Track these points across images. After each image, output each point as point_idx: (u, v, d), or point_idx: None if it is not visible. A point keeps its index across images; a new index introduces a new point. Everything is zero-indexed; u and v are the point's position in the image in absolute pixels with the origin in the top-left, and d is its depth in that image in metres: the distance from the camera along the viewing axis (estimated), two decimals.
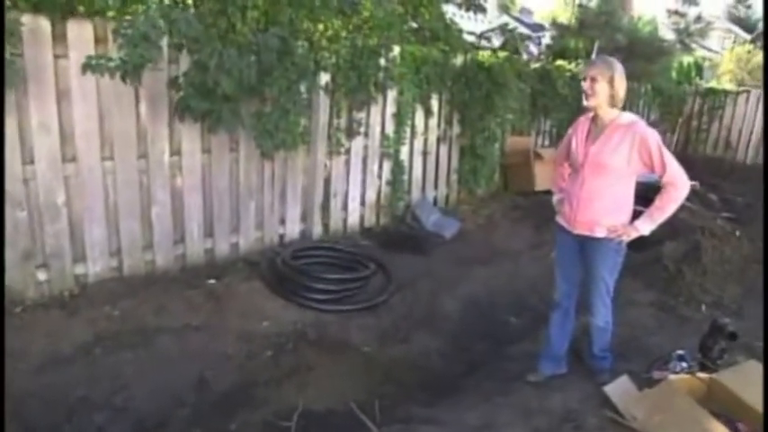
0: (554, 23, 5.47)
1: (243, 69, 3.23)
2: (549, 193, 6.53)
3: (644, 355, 3.10)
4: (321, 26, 4.29)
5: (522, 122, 6.71)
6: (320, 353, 3.30)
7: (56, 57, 3.15)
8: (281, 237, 4.58)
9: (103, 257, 3.61)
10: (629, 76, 2.64)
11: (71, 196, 3.39)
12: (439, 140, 5.77)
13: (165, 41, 3.30)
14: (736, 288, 4.22)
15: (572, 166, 2.77)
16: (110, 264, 3.66)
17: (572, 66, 7.39)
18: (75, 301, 3.33)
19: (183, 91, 3.29)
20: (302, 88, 3.81)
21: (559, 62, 7.25)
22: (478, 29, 8.04)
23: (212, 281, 3.73)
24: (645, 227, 2.60)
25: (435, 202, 5.88)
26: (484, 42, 7.48)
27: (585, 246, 2.71)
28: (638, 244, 5.07)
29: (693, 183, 7.46)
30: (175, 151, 3.81)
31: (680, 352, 2.58)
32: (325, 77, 4.35)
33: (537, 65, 6.53)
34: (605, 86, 2.51)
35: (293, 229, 4.64)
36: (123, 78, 3.01)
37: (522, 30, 8.67)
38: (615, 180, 2.60)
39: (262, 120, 3.69)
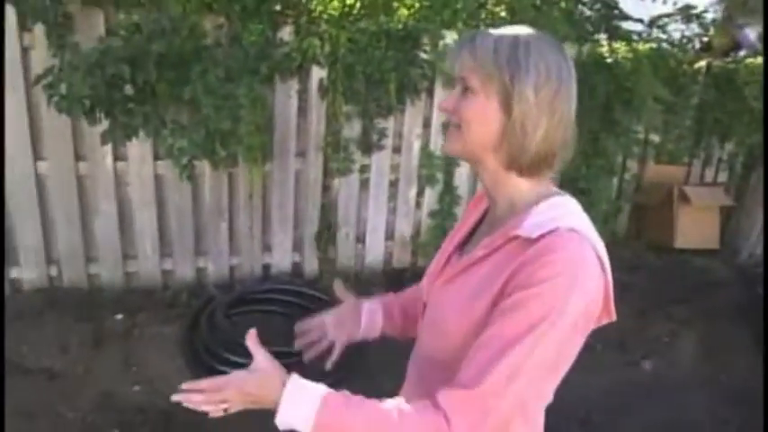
0: None
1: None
2: (696, 252, 4.45)
3: None
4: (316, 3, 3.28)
5: (679, 146, 4.66)
6: None
7: None
8: (267, 268, 3.74)
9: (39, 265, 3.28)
10: None
11: None
12: None
13: None
14: None
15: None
16: (49, 272, 3.31)
17: None
18: None
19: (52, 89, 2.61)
20: (241, 90, 2.84)
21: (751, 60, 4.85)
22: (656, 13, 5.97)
23: (120, 316, 3.07)
24: None
25: None
26: (657, 32, 5.44)
27: None
28: None
29: None
30: (122, 156, 3.27)
31: None
32: (318, 74, 3.35)
33: (702, 63, 4.39)
34: (494, 107, 0.89)
35: (283, 261, 3.75)
36: None
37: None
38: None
39: (170, 130, 2.86)
